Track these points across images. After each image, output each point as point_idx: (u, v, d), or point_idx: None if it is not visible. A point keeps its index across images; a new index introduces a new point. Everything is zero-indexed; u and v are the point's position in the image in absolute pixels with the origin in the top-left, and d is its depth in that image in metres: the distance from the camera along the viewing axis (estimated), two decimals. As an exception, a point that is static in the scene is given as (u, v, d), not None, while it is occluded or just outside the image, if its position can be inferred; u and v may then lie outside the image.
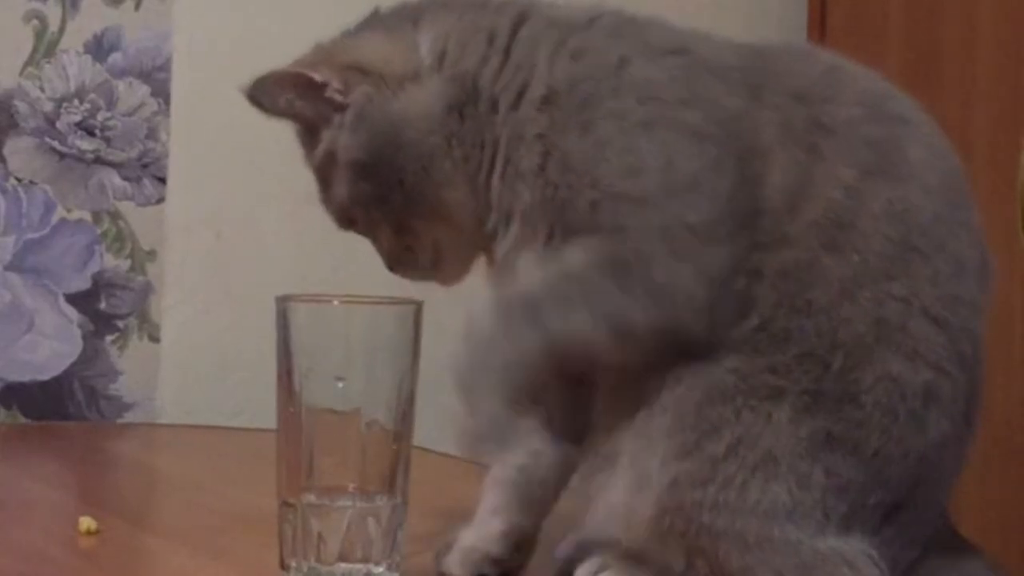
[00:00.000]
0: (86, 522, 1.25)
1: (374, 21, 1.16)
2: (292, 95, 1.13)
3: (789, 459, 1.02)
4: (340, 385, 1.08)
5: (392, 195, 1.12)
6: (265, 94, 1.14)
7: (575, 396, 1.13)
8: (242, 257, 1.93)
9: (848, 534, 1.03)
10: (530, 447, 1.15)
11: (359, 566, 1.08)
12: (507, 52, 1.11)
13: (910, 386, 1.03)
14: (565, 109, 1.07)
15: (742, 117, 1.06)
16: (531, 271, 1.07)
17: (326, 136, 1.14)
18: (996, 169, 1.83)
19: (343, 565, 1.08)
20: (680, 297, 1.03)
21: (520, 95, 1.09)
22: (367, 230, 1.16)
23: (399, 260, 1.17)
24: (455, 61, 1.12)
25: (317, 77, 1.12)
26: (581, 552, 1.10)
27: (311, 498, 1.08)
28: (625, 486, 1.05)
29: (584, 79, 1.08)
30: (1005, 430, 1.80)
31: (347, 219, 1.16)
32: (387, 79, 1.12)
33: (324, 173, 1.15)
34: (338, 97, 1.12)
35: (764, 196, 1.04)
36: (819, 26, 2.11)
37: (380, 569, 1.09)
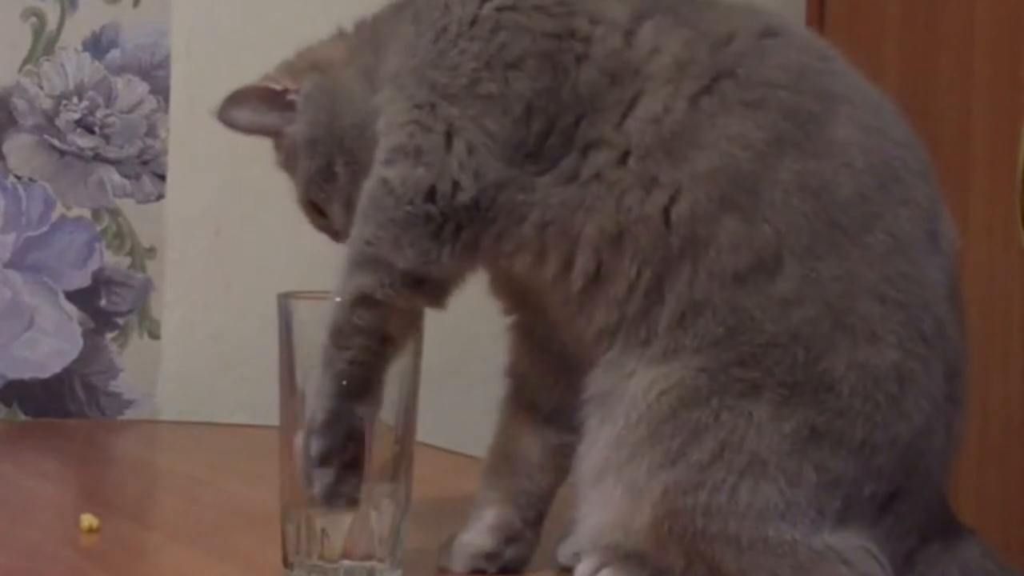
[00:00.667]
0: (87, 519, 1.25)
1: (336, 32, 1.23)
2: (255, 108, 1.19)
3: (776, 458, 1.02)
4: (344, 383, 1.07)
5: (337, 165, 1.16)
6: (231, 113, 1.19)
7: (559, 380, 1.14)
8: (242, 253, 1.93)
9: (844, 529, 1.03)
10: (514, 435, 1.16)
11: (362, 563, 1.08)
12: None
13: (880, 370, 1.02)
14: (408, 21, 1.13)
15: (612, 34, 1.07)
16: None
17: (288, 132, 1.19)
18: (994, 163, 1.83)
19: (346, 562, 1.08)
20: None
21: None
22: (326, 217, 1.20)
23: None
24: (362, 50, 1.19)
25: (276, 86, 1.19)
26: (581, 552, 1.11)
27: (314, 498, 1.08)
28: (618, 498, 1.05)
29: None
30: (1004, 427, 1.80)
31: (313, 209, 1.21)
32: (332, 65, 1.19)
33: (291, 169, 1.20)
34: (296, 99, 1.18)
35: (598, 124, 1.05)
36: (817, 19, 2.10)
37: (383, 566, 1.09)
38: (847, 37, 2.05)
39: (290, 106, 1.18)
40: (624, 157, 1.05)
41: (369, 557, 1.09)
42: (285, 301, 1.09)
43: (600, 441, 1.06)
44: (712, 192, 1.03)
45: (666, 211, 1.04)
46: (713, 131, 1.04)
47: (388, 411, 1.09)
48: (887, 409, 1.03)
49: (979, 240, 1.84)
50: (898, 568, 1.05)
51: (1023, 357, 1.79)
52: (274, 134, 1.21)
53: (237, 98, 1.19)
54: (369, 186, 1.09)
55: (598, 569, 1.07)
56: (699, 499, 1.02)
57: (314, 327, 1.09)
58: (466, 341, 1.70)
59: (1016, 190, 1.75)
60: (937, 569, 1.08)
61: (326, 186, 1.18)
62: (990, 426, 1.80)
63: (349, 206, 1.15)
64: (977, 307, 1.83)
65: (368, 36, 1.19)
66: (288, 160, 1.21)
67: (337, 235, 1.20)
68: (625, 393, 1.05)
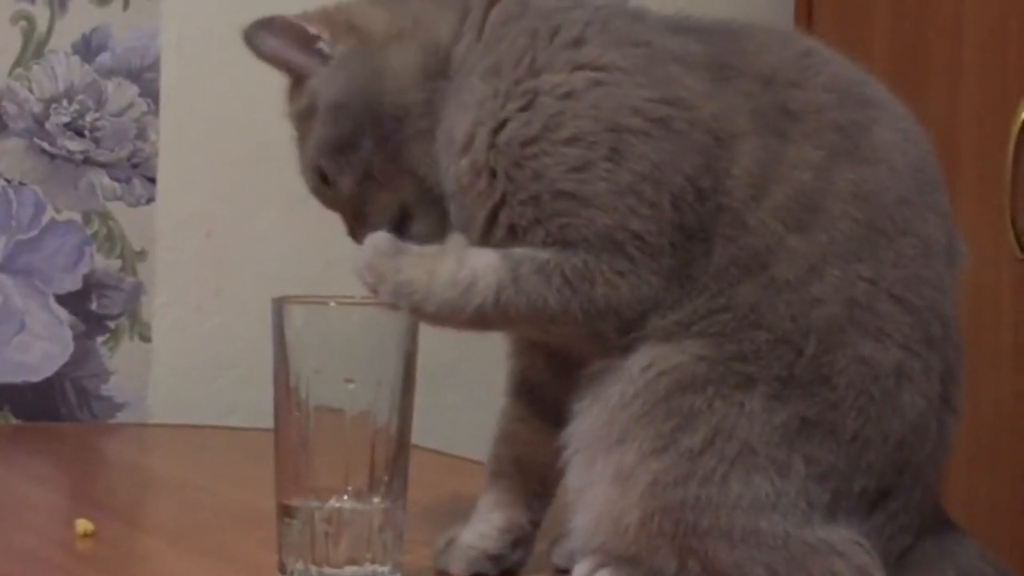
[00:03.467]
0: (83, 524, 1.25)
1: None
2: (285, 41, 1.16)
3: (766, 449, 1.02)
4: (351, 387, 1.08)
5: (363, 140, 1.13)
6: (260, 36, 1.16)
7: (572, 384, 1.13)
8: (233, 256, 1.93)
9: (835, 523, 1.03)
10: (527, 439, 1.16)
11: (358, 568, 1.08)
12: (479, 30, 1.14)
13: (881, 367, 1.03)
14: (506, 79, 1.09)
15: (708, 105, 1.06)
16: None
17: (309, 85, 1.16)
18: (983, 160, 1.83)
19: (342, 567, 1.08)
20: (610, 314, 1.05)
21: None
22: (333, 189, 1.16)
23: (360, 219, 1.16)
24: (429, 29, 1.15)
25: (312, 29, 1.15)
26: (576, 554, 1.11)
27: (309, 500, 1.08)
28: (606, 482, 1.05)
29: (528, 50, 1.09)
30: (994, 429, 1.80)
31: (317, 175, 1.17)
32: (373, 36, 1.15)
33: (303, 126, 1.18)
34: (327, 49, 1.15)
35: (726, 189, 1.05)
36: (806, 17, 2.11)
37: (380, 569, 1.09)
38: (835, 34, 2.06)
39: (319, 55, 1.16)
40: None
41: (365, 561, 1.08)
42: (280, 305, 1.09)
43: (592, 416, 1.07)
44: (786, 219, 1.04)
45: (742, 248, 1.05)
46: (783, 165, 1.05)
47: (383, 413, 1.09)
48: (881, 404, 1.03)
49: (968, 241, 1.84)
50: (891, 568, 1.06)
51: (1012, 359, 1.79)
52: (295, 75, 1.18)
53: (270, 25, 1.16)
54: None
55: (595, 570, 1.07)
56: (689, 491, 1.02)
57: (308, 331, 1.09)
58: (461, 344, 1.71)
59: (1004, 191, 1.76)
60: (932, 570, 1.08)
61: (341, 157, 1.15)
62: (980, 428, 1.81)
63: (364, 180, 1.14)
64: (966, 309, 1.83)
65: (426, 16, 1.15)
66: (301, 116, 1.17)
67: (335, 204, 1.18)
68: (621, 368, 1.06)
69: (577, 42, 1.09)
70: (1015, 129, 1.75)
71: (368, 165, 1.14)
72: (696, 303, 1.05)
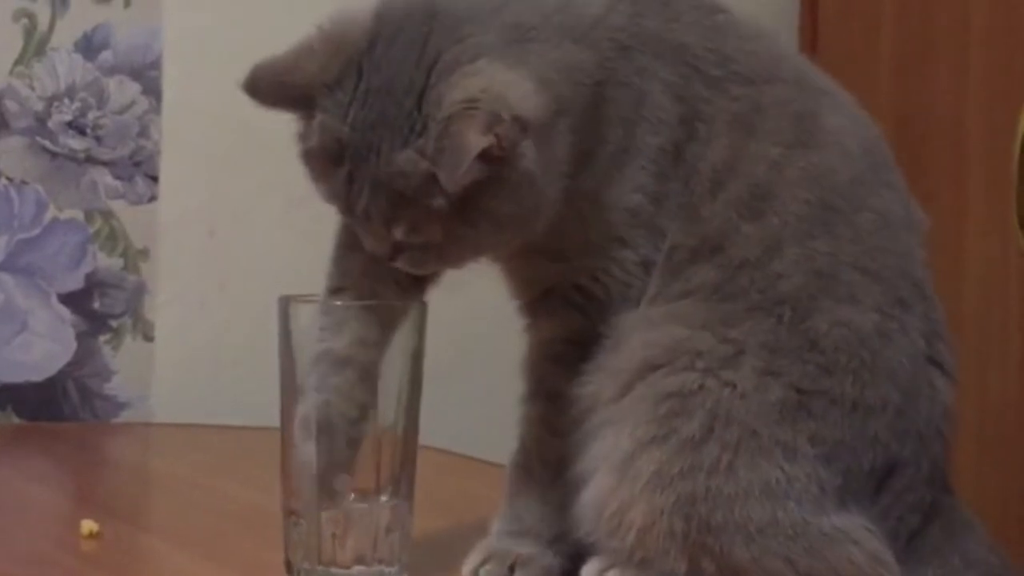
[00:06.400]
0: (87, 525, 1.25)
1: (490, 45, 1.04)
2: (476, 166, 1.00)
3: (768, 430, 1.02)
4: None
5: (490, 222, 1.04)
6: (462, 171, 1.00)
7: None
8: (235, 254, 1.93)
9: (846, 509, 1.03)
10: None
11: (365, 568, 1.08)
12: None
13: (862, 328, 1.05)
14: None
15: (703, 109, 1.09)
16: None
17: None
18: (990, 159, 1.83)
19: (349, 567, 1.08)
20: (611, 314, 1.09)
21: None
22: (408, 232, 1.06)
23: (409, 255, 1.07)
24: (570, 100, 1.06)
25: (494, 149, 1.00)
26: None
27: (316, 500, 1.08)
28: (603, 470, 1.05)
29: None
30: (1002, 426, 1.80)
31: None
32: (533, 120, 1.01)
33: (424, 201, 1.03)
34: (498, 152, 1.00)
35: (691, 186, 1.08)
36: (811, 16, 2.10)
37: (387, 569, 1.08)
38: (841, 34, 2.06)
39: (492, 159, 1.00)
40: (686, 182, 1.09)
41: (372, 561, 1.08)
42: (285, 304, 1.09)
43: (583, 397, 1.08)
44: (740, 209, 1.07)
45: (689, 235, 1.07)
46: (743, 161, 1.08)
47: (390, 413, 1.08)
48: (873, 367, 1.05)
49: (976, 239, 1.85)
50: (900, 550, 1.05)
51: (1020, 357, 1.79)
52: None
53: (467, 147, 0.99)
54: None
55: (605, 570, 1.06)
56: (697, 483, 1.02)
57: (313, 330, 1.09)
58: (467, 344, 1.70)
59: (1012, 190, 1.75)
60: (939, 556, 1.08)
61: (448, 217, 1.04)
62: (988, 426, 1.81)
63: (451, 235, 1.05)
64: (975, 307, 1.84)
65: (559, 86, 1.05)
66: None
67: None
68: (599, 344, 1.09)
69: None
70: (1022, 127, 1.74)
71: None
72: (658, 285, 1.08)
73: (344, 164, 1.04)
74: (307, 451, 1.07)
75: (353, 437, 1.08)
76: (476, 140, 0.98)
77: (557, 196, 1.05)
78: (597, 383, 1.07)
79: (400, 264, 1.07)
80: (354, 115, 1.03)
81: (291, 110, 1.07)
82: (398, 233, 1.04)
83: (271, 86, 1.06)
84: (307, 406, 1.08)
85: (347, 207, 1.06)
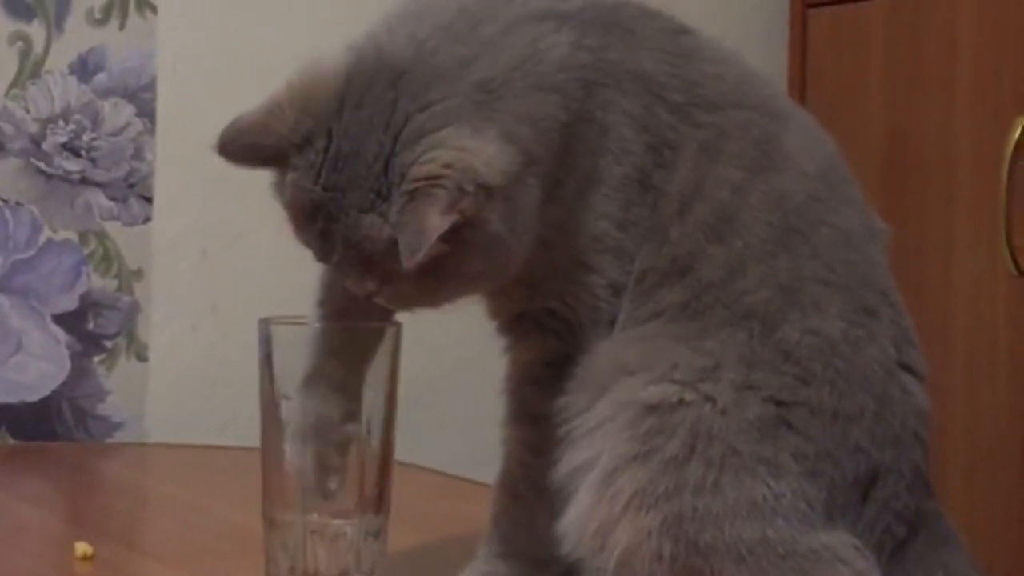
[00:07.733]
0: (82, 547, 1.25)
1: (457, 110, 1.03)
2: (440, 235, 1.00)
3: (749, 447, 1.02)
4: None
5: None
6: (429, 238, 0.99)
7: None
8: (229, 275, 1.93)
9: (833, 525, 1.03)
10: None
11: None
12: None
13: (832, 335, 1.06)
14: None
15: (668, 136, 1.10)
16: None
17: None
18: (978, 174, 1.83)
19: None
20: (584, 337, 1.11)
21: None
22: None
23: (386, 297, 1.08)
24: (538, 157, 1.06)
25: (456, 217, 0.99)
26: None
27: (295, 516, 1.09)
28: (586, 489, 1.05)
29: None
30: (990, 442, 1.80)
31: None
32: (500, 186, 1.01)
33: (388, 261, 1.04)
34: (463, 221, 1.00)
35: (660, 210, 1.09)
36: (800, 33, 2.11)
37: (363, 587, 1.09)
38: (830, 53, 2.06)
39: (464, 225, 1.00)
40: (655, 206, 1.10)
41: (350, 574, 1.09)
42: (266, 326, 1.10)
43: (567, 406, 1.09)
44: (706, 231, 1.08)
45: (660, 257, 1.09)
46: (707, 183, 1.09)
47: (368, 432, 1.09)
48: (847, 374, 1.06)
49: (964, 254, 1.85)
50: (885, 562, 1.06)
51: (1009, 370, 1.79)
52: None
53: (427, 230, 0.98)
54: None
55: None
56: (684, 502, 1.02)
57: (294, 351, 1.10)
58: (447, 361, 1.71)
59: (999, 208, 1.76)
60: (922, 569, 1.08)
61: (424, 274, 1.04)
62: (977, 442, 1.81)
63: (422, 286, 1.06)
64: (963, 321, 1.84)
65: (539, 136, 1.05)
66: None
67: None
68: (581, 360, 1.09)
69: None
70: (1010, 146, 1.75)
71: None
72: (629, 309, 1.09)
73: (317, 221, 1.05)
74: (300, 456, 1.08)
75: (341, 441, 1.10)
76: (438, 222, 0.98)
77: (529, 242, 1.06)
78: (572, 392, 1.08)
79: (379, 302, 1.08)
80: (325, 177, 1.03)
81: (264, 167, 1.08)
82: (371, 285, 1.05)
83: (242, 148, 1.06)
84: (296, 415, 1.09)
85: (322, 257, 1.07)
